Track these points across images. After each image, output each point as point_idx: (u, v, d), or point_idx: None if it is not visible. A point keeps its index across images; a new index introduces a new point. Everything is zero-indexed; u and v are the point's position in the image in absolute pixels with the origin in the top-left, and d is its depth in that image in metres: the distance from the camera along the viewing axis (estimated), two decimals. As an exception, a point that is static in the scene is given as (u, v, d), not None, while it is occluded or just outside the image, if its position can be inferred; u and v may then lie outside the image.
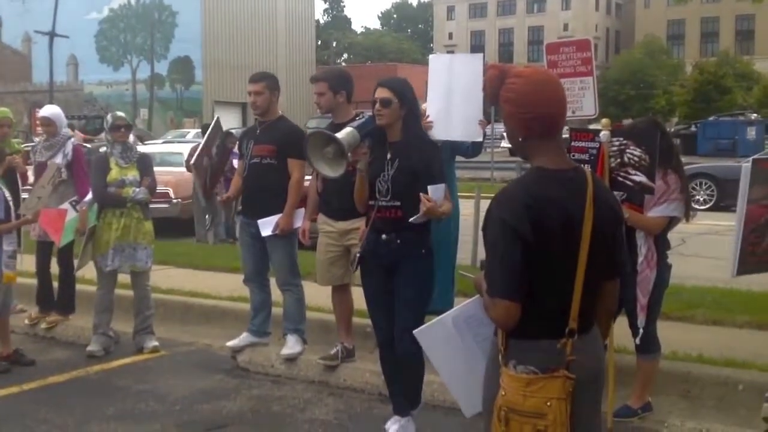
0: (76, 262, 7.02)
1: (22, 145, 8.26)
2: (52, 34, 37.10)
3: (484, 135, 6.41)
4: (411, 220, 4.41)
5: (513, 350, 2.62)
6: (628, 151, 4.66)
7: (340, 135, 4.50)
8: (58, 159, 7.00)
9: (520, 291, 2.54)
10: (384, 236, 4.61)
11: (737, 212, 4.48)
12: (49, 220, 6.86)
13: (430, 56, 6.49)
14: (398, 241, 4.58)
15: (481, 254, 2.78)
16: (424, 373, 4.79)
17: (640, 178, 4.63)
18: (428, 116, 6.05)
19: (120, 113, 6.94)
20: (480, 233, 2.73)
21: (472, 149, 6.58)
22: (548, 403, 2.53)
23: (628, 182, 4.64)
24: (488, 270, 2.63)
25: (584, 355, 2.61)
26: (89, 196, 6.74)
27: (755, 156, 4.62)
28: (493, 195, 2.69)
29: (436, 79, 6.16)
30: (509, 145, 3.66)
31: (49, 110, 7.28)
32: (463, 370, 3.04)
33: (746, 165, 4.36)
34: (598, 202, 2.64)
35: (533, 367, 2.58)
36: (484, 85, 2.75)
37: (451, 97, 6.05)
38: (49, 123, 7.10)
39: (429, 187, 4.39)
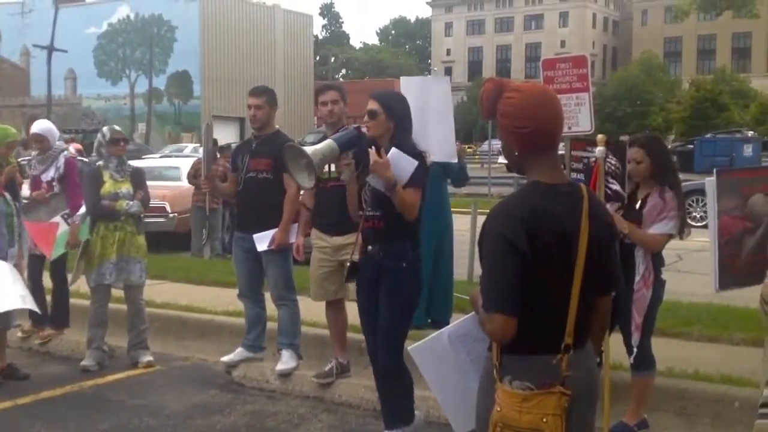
0: (70, 276, 7.00)
1: (18, 159, 8.24)
2: (50, 48, 37.25)
3: (460, 158, 6.55)
4: None
5: (508, 366, 2.61)
6: (607, 160, 4.72)
7: (311, 149, 4.55)
8: (51, 172, 7.02)
9: (517, 305, 2.53)
10: (369, 248, 4.64)
11: (709, 225, 4.52)
12: (40, 234, 6.84)
13: (401, 78, 6.54)
14: (380, 254, 4.59)
15: (478, 270, 2.77)
16: (412, 389, 4.77)
17: (616, 186, 4.69)
18: None
19: (116, 127, 6.95)
20: (477, 249, 2.71)
21: (458, 175, 6.76)
22: (544, 419, 2.52)
23: (608, 191, 4.71)
24: (484, 284, 2.61)
25: (579, 371, 2.60)
26: (82, 209, 6.73)
27: (718, 168, 4.67)
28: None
29: (409, 102, 6.20)
30: (506, 161, 3.70)
31: (40, 126, 7.25)
32: (456, 387, 3.03)
33: (710, 179, 4.40)
34: (594, 218, 2.63)
35: (529, 382, 2.56)
36: (480, 98, 2.75)
37: (426, 119, 6.03)
38: (41, 139, 7.09)
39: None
